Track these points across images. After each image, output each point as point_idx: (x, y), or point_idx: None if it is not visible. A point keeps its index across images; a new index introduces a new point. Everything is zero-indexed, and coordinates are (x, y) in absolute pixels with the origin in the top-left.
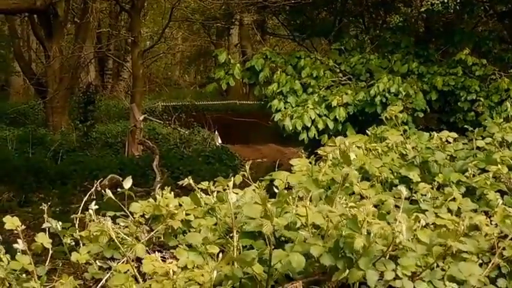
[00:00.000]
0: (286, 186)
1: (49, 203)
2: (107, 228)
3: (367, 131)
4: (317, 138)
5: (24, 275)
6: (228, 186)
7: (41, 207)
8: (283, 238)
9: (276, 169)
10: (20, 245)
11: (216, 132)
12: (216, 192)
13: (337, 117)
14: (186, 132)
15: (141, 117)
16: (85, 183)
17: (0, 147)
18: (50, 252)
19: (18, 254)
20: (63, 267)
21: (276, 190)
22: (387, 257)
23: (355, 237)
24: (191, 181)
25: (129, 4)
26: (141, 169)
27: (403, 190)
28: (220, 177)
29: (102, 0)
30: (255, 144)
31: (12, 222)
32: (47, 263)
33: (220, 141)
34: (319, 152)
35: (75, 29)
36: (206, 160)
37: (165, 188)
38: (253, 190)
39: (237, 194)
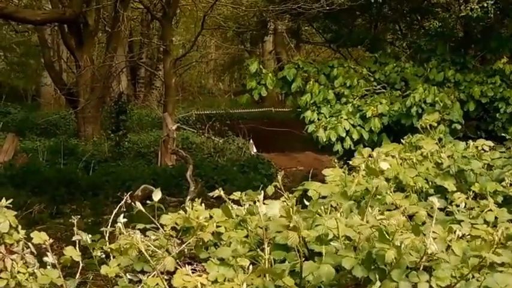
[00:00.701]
0: (319, 197)
1: (80, 215)
2: (135, 241)
3: (401, 140)
4: (352, 148)
5: None
6: (258, 197)
7: (71, 219)
8: (317, 250)
9: (310, 179)
10: (49, 258)
11: (251, 141)
12: (247, 203)
13: (372, 128)
14: (220, 141)
15: (174, 127)
16: (117, 194)
17: (31, 158)
18: (81, 265)
19: (48, 267)
20: (94, 280)
21: (306, 201)
22: (421, 268)
23: (386, 249)
24: (222, 192)
25: (160, 12)
26: (174, 179)
27: (435, 201)
28: (250, 190)
29: (133, 8)
30: (292, 152)
31: (40, 236)
32: (77, 276)
33: (255, 149)
34: (350, 162)
35: (106, 38)
36: (241, 169)
37: (196, 199)
38: (283, 201)
39: (267, 205)
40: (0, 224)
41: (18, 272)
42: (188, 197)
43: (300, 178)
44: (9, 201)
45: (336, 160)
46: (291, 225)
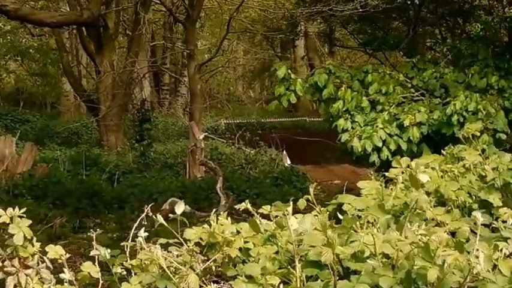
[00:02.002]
0: (355, 211)
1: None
2: (156, 257)
3: (442, 151)
4: (390, 159)
5: None
6: (287, 210)
7: (92, 233)
8: (352, 268)
9: (344, 192)
10: (66, 274)
11: (285, 152)
12: (277, 217)
13: (410, 138)
14: (252, 152)
15: (202, 136)
16: (144, 207)
17: (51, 168)
18: (100, 282)
19: (66, 284)
20: None
21: (340, 216)
22: None
23: (427, 267)
24: (249, 205)
25: (183, 15)
26: (204, 192)
27: (478, 216)
28: (278, 202)
29: (155, 11)
30: (328, 165)
31: (55, 251)
32: None
33: (289, 161)
34: (387, 174)
35: (127, 42)
36: (274, 182)
37: (222, 212)
38: (315, 215)
39: (297, 219)
40: (14, 235)
41: None
42: (219, 212)
43: (336, 192)
44: (23, 210)
45: (372, 172)
46: (325, 241)
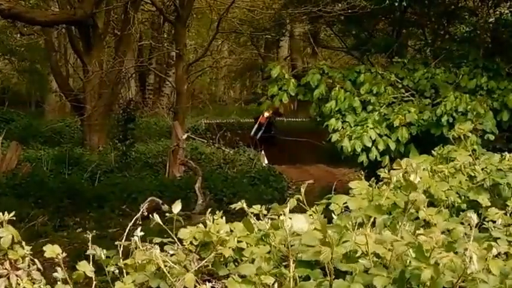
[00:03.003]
0: (343, 211)
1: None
2: (154, 256)
3: (432, 151)
4: (378, 159)
5: None
6: (283, 211)
7: (75, 232)
8: (343, 268)
9: (333, 192)
10: (60, 273)
11: (263, 152)
12: (269, 218)
13: (399, 138)
14: (231, 151)
15: (184, 136)
16: (123, 206)
17: (35, 167)
18: (94, 282)
19: (59, 283)
20: None
21: (333, 215)
22: None
23: (422, 268)
24: (244, 205)
25: (173, 15)
26: (182, 191)
27: (473, 217)
28: (275, 204)
29: (144, 10)
30: (303, 165)
31: (52, 250)
32: None
33: (266, 161)
34: (382, 174)
35: (116, 41)
36: (251, 181)
37: (207, 212)
38: (310, 215)
39: (290, 219)
40: (2, 238)
41: None
42: (196, 211)
43: (315, 192)
44: (12, 214)
45: (361, 173)
46: (324, 240)
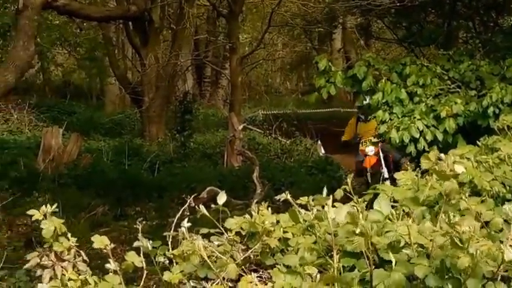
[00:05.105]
0: (391, 201)
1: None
2: (198, 247)
3: (477, 142)
4: (426, 150)
5: None
6: (326, 202)
7: (136, 221)
8: (387, 258)
9: (381, 182)
10: (112, 264)
11: (319, 142)
12: (315, 208)
13: (446, 129)
14: (288, 142)
15: (240, 127)
16: (183, 195)
17: (95, 158)
18: (145, 272)
19: (110, 274)
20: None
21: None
22: (499, 278)
23: (459, 256)
24: (289, 196)
25: (226, 9)
26: (240, 181)
27: (510, 208)
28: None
29: (199, 5)
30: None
31: (101, 241)
32: (141, 284)
33: (323, 151)
34: (423, 165)
35: (172, 35)
36: (309, 171)
37: (263, 202)
38: (353, 206)
39: (335, 208)
40: (44, 230)
41: (69, 279)
42: (254, 200)
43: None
44: (55, 206)
45: (408, 163)
46: (358, 230)
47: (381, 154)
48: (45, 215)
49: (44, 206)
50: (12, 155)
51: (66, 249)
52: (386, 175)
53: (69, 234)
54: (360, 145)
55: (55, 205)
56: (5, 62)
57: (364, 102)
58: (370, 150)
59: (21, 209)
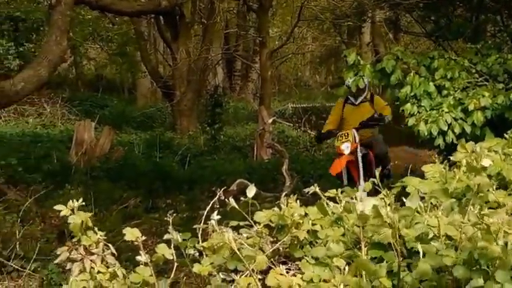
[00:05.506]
0: (418, 193)
1: (175, 210)
2: (227, 240)
3: (505, 134)
4: (455, 142)
5: None
6: (355, 195)
7: (166, 213)
8: (415, 250)
9: (409, 174)
10: (142, 257)
11: None
12: (343, 201)
13: (474, 122)
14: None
15: (270, 120)
16: (213, 188)
17: (127, 151)
18: (175, 264)
19: (141, 266)
20: (187, 279)
21: (404, 199)
22: None
23: (489, 248)
24: (317, 189)
25: (256, 3)
26: (270, 173)
27: None
28: (347, 187)
29: (229, 0)
30: (388, 147)
31: (132, 233)
32: (171, 276)
33: None
34: (452, 158)
35: (202, 30)
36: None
37: (291, 195)
38: (381, 199)
39: (362, 201)
40: (71, 224)
41: (98, 272)
42: (284, 192)
43: (397, 173)
44: (81, 200)
45: (436, 155)
46: (386, 222)
47: (359, 153)
48: (72, 210)
49: (71, 200)
50: (45, 149)
51: (95, 243)
52: (361, 183)
53: (96, 228)
54: (336, 140)
55: (81, 199)
56: (38, 56)
57: (350, 80)
58: (346, 147)
59: (54, 201)
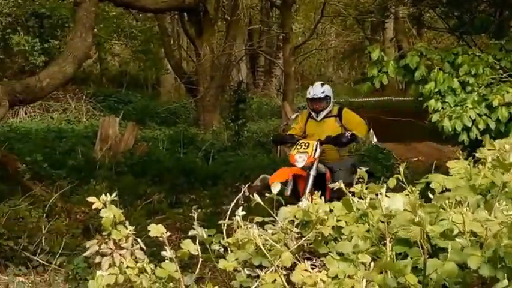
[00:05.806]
0: (443, 190)
1: (199, 205)
2: (252, 236)
3: None
4: (479, 138)
5: (171, 284)
6: (380, 191)
7: (190, 209)
8: (441, 246)
9: (433, 171)
10: (168, 252)
11: (371, 130)
12: (368, 197)
13: (499, 117)
14: None
15: (293, 116)
16: (236, 183)
17: (151, 147)
18: (200, 260)
19: (166, 261)
20: (212, 275)
21: (431, 195)
22: None
23: None
24: (342, 185)
25: (280, 0)
26: None
27: None
28: (371, 183)
29: None
30: (412, 142)
31: (157, 229)
32: (196, 271)
33: (375, 139)
34: (477, 154)
35: (226, 26)
36: (361, 159)
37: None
38: (406, 195)
39: (389, 198)
40: (103, 219)
41: (127, 267)
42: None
43: (422, 170)
44: (114, 195)
45: (460, 151)
46: (416, 220)
47: (313, 171)
48: (104, 204)
49: (103, 194)
50: (70, 144)
51: (124, 238)
52: (304, 200)
53: (127, 223)
54: (293, 148)
55: (114, 194)
56: (63, 53)
57: (310, 92)
58: (300, 158)
59: (79, 197)
